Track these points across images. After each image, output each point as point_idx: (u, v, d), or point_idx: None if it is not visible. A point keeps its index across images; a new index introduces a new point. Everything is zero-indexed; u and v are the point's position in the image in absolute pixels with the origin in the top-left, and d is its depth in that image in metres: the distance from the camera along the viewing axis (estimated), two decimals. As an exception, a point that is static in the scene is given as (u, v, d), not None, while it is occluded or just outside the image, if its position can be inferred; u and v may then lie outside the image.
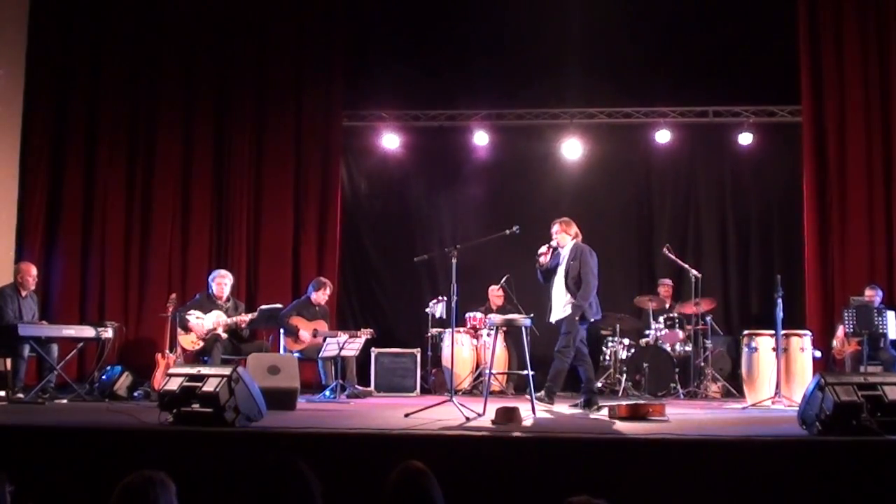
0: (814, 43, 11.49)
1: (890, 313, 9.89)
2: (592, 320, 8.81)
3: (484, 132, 12.38)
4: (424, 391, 11.12)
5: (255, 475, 3.55)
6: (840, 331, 10.39)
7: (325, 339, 10.20)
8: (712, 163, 12.66)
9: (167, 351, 10.02)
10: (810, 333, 9.75)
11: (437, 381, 11.32)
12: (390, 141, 12.51)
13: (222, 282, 10.45)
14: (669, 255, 11.28)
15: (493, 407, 7.20)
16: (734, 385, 10.79)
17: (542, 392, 8.32)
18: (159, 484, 3.40)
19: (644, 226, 12.70)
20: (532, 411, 7.71)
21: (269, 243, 12.08)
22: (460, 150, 12.64)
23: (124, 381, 10.09)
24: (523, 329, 8.17)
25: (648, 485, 5.32)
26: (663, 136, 12.16)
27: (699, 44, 12.00)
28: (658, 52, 12.04)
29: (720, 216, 12.56)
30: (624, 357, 11.33)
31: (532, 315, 8.70)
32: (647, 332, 11.46)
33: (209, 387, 6.24)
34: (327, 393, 10.04)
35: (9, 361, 9.51)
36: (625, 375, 11.04)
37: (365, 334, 10.58)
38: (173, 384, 6.42)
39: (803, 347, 9.42)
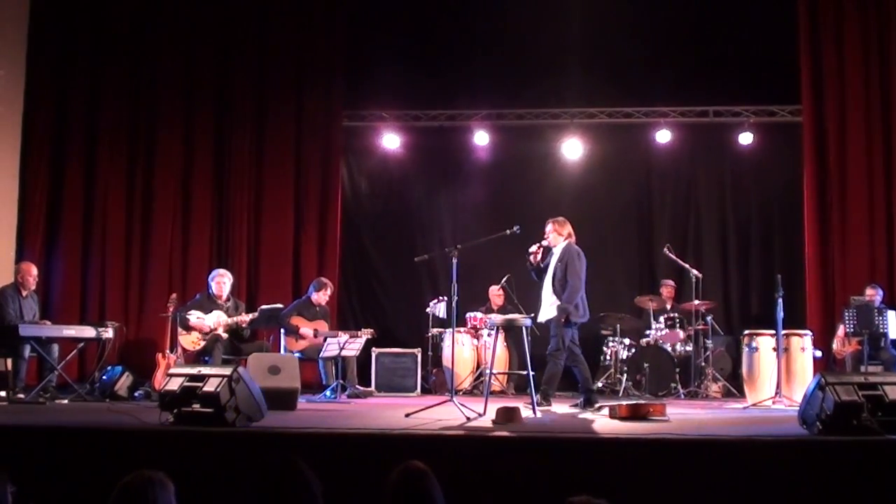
0: (814, 43, 11.50)
1: (890, 313, 9.88)
2: (578, 322, 8.72)
3: (484, 132, 12.38)
4: (425, 391, 11.12)
5: (256, 475, 3.55)
6: (840, 330, 10.39)
7: (325, 339, 10.20)
8: (713, 163, 12.66)
9: (168, 351, 10.03)
10: (811, 333, 9.75)
11: (437, 381, 11.32)
12: (391, 141, 12.51)
13: (221, 281, 10.45)
14: (670, 254, 11.29)
15: (493, 407, 7.21)
16: (735, 385, 10.79)
17: (539, 396, 8.28)
18: (158, 484, 3.41)
19: (644, 226, 12.71)
20: (533, 411, 7.71)
21: (270, 243, 12.08)
22: (461, 150, 12.65)
23: (125, 381, 10.10)
24: (524, 329, 8.17)
25: (649, 485, 5.32)
26: (664, 136, 12.16)
27: (699, 44, 12.01)
28: (658, 52, 12.04)
29: (720, 216, 12.56)
30: (624, 357, 11.33)
31: (532, 315, 8.72)
32: (647, 331, 11.45)
33: (210, 387, 6.24)
34: (328, 393, 10.04)
35: (9, 361, 9.52)
36: (625, 375, 11.03)
37: (365, 334, 10.57)
38: (174, 384, 6.42)
39: (804, 347, 9.42)
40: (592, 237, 12.30)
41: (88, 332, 9.83)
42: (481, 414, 7.30)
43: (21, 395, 9.15)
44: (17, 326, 9.24)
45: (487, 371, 9.08)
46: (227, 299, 10.44)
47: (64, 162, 11.94)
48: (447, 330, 10.80)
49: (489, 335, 11.05)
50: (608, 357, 11.58)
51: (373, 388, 10.93)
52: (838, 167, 11.37)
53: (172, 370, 6.91)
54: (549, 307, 8.74)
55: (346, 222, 12.56)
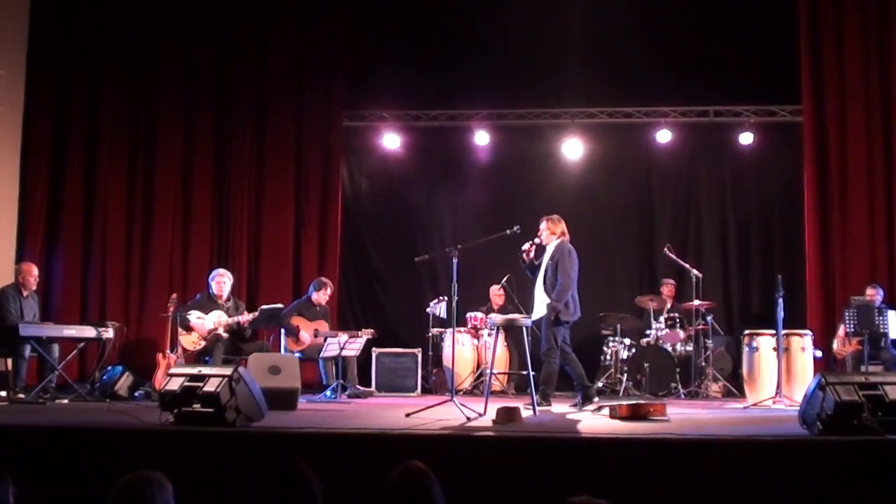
0: (814, 43, 11.49)
1: (891, 313, 9.88)
2: (568, 321, 8.68)
3: (485, 132, 12.38)
4: (425, 391, 11.12)
5: (257, 475, 3.55)
6: (841, 330, 10.38)
7: (325, 339, 10.20)
8: (713, 162, 12.67)
9: (168, 351, 10.04)
10: (811, 333, 9.75)
11: (437, 381, 11.31)
12: (391, 141, 12.51)
13: (221, 280, 10.45)
14: (670, 254, 11.29)
15: (493, 407, 7.20)
16: (735, 385, 10.78)
17: (538, 396, 8.26)
18: (156, 483, 3.41)
19: (645, 225, 12.71)
20: (533, 411, 7.71)
21: (270, 243, 12.08)
22: (461, 150, 12.65)
23: (125, 381, 10.11)
24: (524, 329, 8.17)
25: (649, 485, 5.32)
26: (664, 136, 12.16)
27: (700, 43, 12.00)
28: (659, 52, 12.04)
29: (721, 216, 12.56)
30: (625, 357, 11.33)
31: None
32: (647, 331, 11.46)
33: (210, 387, 6.24)
34: (328, 393, 10.04)
35: (10, 361, 9.51)
36: (626, 375, 11.04)
37: (366, 334, 10.57)
38: (174, 384, 6.42)
39: (804, 347, 9.41)
40: (593, 237, 12.36)
41: (89, 332, 9.83)
42: (481, 414, 7.30)
43: (21, 395, 9.15)
44: (17, 326, 9.23)
45: (488, 371, 9.07)
46: (228, 299, 10.44)
47: (64, 162, 11.94)
48: (447, 330, 10.80)
49: (489, 335, 11.05)
50: (608, 357, 11.57)
51: (373, 388, 10.93)
52: (839, 167, 11.36)
53: (173, 370, 6.91)
54: (540, 306, 8.73)
55: (347, 222, 12.56)
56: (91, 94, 12.06)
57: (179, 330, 10.12)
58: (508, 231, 8.58)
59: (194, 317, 10.09)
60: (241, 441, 5.96)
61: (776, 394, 9.05)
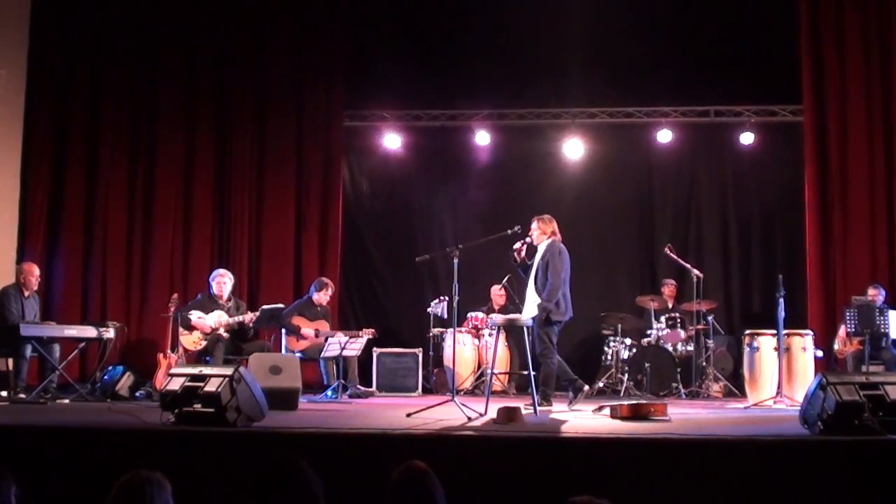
0: (815, 42, 11.49)
1: (892, 313, 9.87)
2: (560, 321, 8.64)
3: (485, 132, 12.38)
4: (426, 391, 11.12)
5: (258, 475, 3.55)
6: (842, 330, 10.38)
7: (326, 339, 10.20)
8: (714, 162, 12.67)
9: (169, 351, 10.05)
10: (812, 333, 9.74)
11: (438, 381, 11.32)
12: (392, 141, 12.51)
13: (222, 281, 10.46)
14: (671, 254, 11.29)
15: (494, 407, 7.21)
16: (736, 385, 10.78)
17: (538, 397, 8.23)
18: (156, 483, 3.41)
19: (645, 225, 12.71)
20: (534, 411, 7.71)
21: (271, 243, 12.09)
22: (462, 150, 12.65)
23: (126, 381, 10.12)
24: (525, 329, 8.17)
25: (650, 485, 5.32)
26: (665, 136, 12.16)
27: (700, 43, 12.01)
28: (659, 52, 12.04)
29: (722, 216, 12.56)
30: (626, 357, 11.33)
31: (534, 315, 8.69)
32: (648, 331, 11.46)
33: (211, 387, 6.24)
34: (329, 393, 10.05)
35: (10, 361, 9.52)
36: (626, 375, 11.04)
37: (366, 334, 10.57)
38: (175, 384, 6.41)
39: (805, 347, 9.41)
40: (593, 237, 12.39)
41: (90, 332, 9.83)
42: (482, 414, 7.31)
43: (22, 395, 9.16)
44: (18, 326, 9.23)
45: (489, 371, 9.07)
46: (229, 299, 10.44)
47: (65, 162, 11.95)
48: (448, 330, 10.81)
49: (490, 335, 11.05)
50: (609, 357, 11.57)
51: (374, 388, 10.93)
52: (839, 167, 11.36)
53: (174, 370, 6.90)
54: (532, 306, 8.70)
55: (348, 222, 12.55)
56: (92, 93, 12.07)
57: (180, 330, 10.13)
58: (509, 231, 8.59)
59: (195, 316, 10.10)
60: (241, 441, 5.96)
61: (777, 394, 9.05)
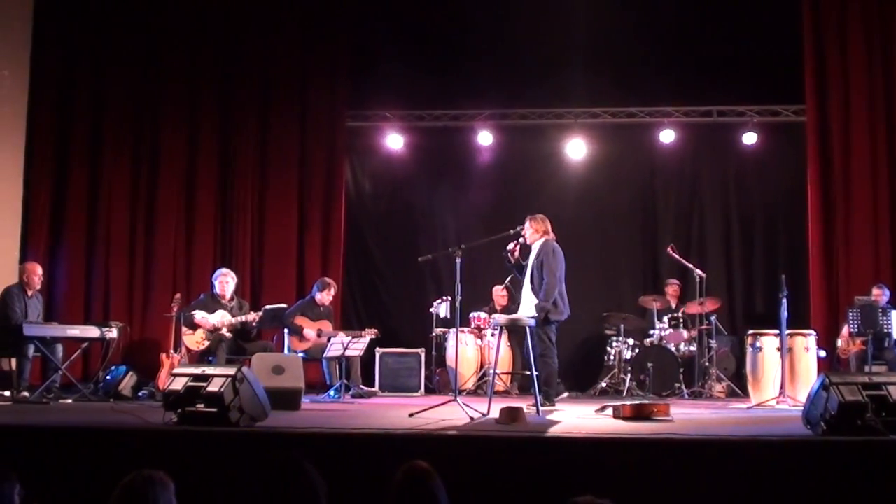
0: (818, 42, 11.48)
1: (895, 313, 9.87)
2: (559, 320, 8.60)
3: (488, 132, 12.38)
4: (429, 391, 11.12)
5: (261, 475, 3.55)
6: (845, 330, 10.36)
7: (329, 340, 10.21)
8: (716, 162, 12.67)
9: (172, 351, 10.06)
10: (815, 333, 9.72)
11: (441, 381, 11.32)
12: (394, 141, 12.51)
13: (224, 280, 10.46)
14: (674, 255, 11.29)
15: (497, 407, 7.20)
16: (739, 385, 10.78)
17: (541, 398, 8.20)
18: (159, 483, 3.41)
19: (648, 225, 12.70)
20: (536, 411, 7.71)
21: (274, 243, 12.09)
22: (464, 150, 12.66)
23: (129, 381, 10.13)
24: (527, 329, 8.16)
25: (653, 485, 5.32)
26: (667, 136, 12.16)
27: (703, 43, 11.99)
28: (662, 52, 12.04)
29: (724, 216, 12.56)
30: (628, 357, 11.34)
31: (536, 315, 8.68)
32: (651, 331, 11.46)
33: (214, 387, 6.24)
34: (332, 393, 10.05)
35: (14, 361, 9.52)
36: (629, 375, 11.04)
37: (369, 334, 10.56)
38: (178, 384, 6.41)
39: (808, 347, 9.40)
40: (596, 237, 12.40)
41: (92, 331, 9.85)
42: (485, 414, 7.30)
43: (25, 395, 9.16)
44: (21, 326, 9.24)
45: (491, 371, 9.07)
46: (231, 299, 10.45)
47: (68, 162, 11.96)
48: (451, 330, 10.81)
49: (493, 335, 11.04)
50: (612, 357, 11.58)
51: (376, 388, 10.93)
52: (842, 167, 11.35)
53: (176, 370, 6.91)
54: (528, 306, 8.67)
55: (350, 222, 12.56)
56: (95, 94, 12.07)
57: (183, 330, 10.13)
58: (511, 231, 8.60)
59: (198, 316, 10.10)
60: (244, 441, 5.96)
61: (780, 394, 9.03)
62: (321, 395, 10.18)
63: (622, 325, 11.58)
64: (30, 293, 9.82)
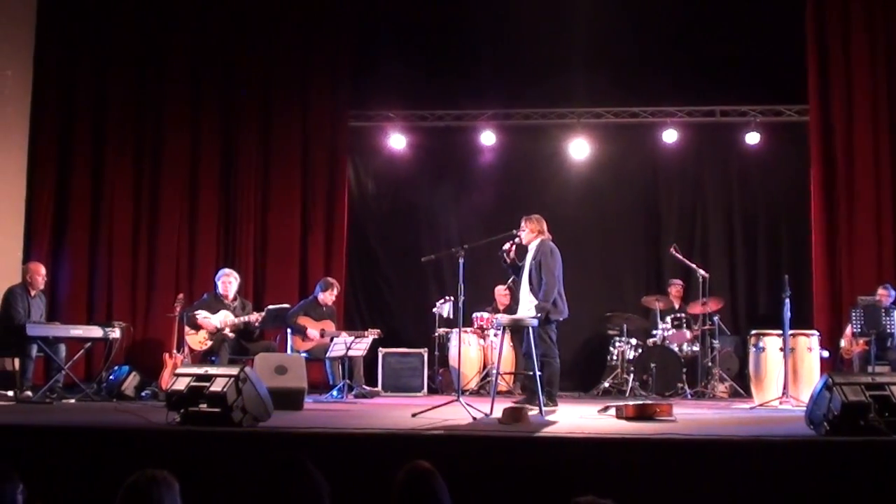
0: (821, 42, 11.47)
1: (898, 313, 9.87)
2: (558, 319, 8.57)
3: (491, 132, 12.37)
4: (432, 391, 11.12)
5: (264, 475, 3.56)
6: (848, 330, 10.35)
7: (332, 340, 10.21)
8: (719, 162, 12.65)
9: (175, 351, 10.06)
10: (818, 333, 9.72)
11: (444, 381, 11.32)
12: (397, 141, 12.50)
13: (227, 280, 10.47)
14: (676, 254, 11.28)
15: (500, 407, 7.21)
16: (742, 385, 10.77)
17: (545, 398, 8.19)
18: (163, 483, 3.42)
19: (651, 225, 12.70)
20: (539, 411, 7.70)
21: (277, 243, 12.09)
22: (467, 150, 12.65)
23: (132, 381, 10.13)
24: (530, 329, 8.16)
25: (655, 485, 5.32)
26: (670, 136, 12.14)
27: (706, 43, 11.97)
28: (665, 52, 12.03)
29: (727, 216, 12.55)
30: (631, 357, 11.33)
31: (539, 315, 8.68)
32: (654, 331, 11.46)
33: (217, 387, 6.25)
34: (334, 393, 10.06)
35: (17, 361, 9.52)
36: (632, 375, 11.04)
37: (372, 334, 10.57)
38: (181, 384, 6.43)
39: (811, 347, 9.40)
40: (599, 237, 12.40)
41: (95, 331, 9.85)
42: (488, 414, 7.31)
43: (28, 395, 9.16)
44: (24, 326, 9.25)
45: (494, 371, 9.07)
46: (235, 299, 10.45)
47: (71, 162, 11.96)
48: (454, 330, 10.80)
49: (496, 335, 11.04)
50: (615, 357, 11.57)
51: (379, 388, 10.93)
52: (845, 167, 11.34)
53: (179, 370, 6.92)
54: (527, 307, 8.65)
55: (353, 223, 12.56)
56: (97, 94, 12.07)
57: (186, 330, 10.14)
58: (514, 231, 8.59)
59: (201, 316, 10.11)
60: (247, 441, 5.97)
61: (783, 394, 9.03)
62: (324, 395, 10.18)
63: (625, 326, 11.58)
64: (33, 293, 9.82)
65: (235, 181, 12.13)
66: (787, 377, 9.10)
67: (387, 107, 12.58)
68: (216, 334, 10.09)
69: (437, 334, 11.47)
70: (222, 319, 10.14)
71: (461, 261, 8.00)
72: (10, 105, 11.58)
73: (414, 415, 7.22)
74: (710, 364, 10.99)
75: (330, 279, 11.00)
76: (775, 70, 11.91)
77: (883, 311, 9.85)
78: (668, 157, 12.52)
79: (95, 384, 10.16)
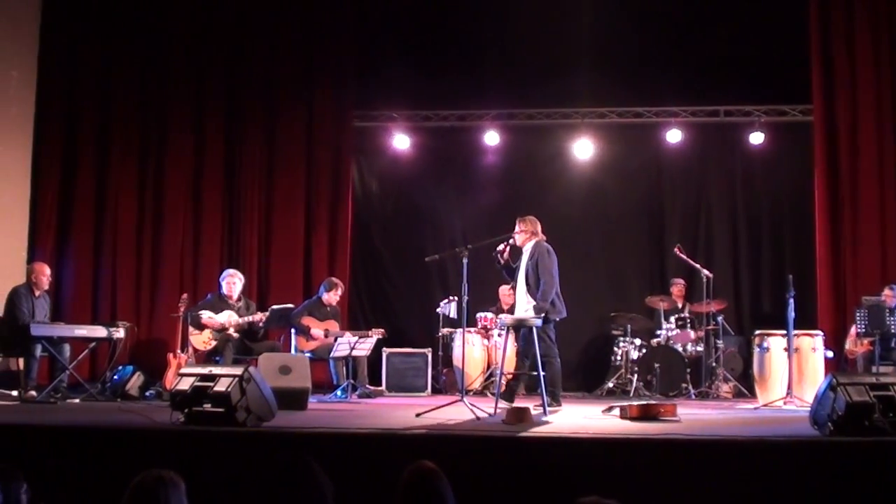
0: (825, 42, 11.45)
1: (902, 313, 9.85)
2: (556, 319, 8.58)
3: (495, 132, 12.36)
4: (435, 391, 11.12)
5: (268, 475, 3.56)
6: (852, 330, 10.34)
7: (336, 339, 10.21)
8: (723, 162, 12.63)
9: (179, 351, 10.07)
10: (822, 333, 9.71)
11: (448, 381, 11.32)
12: (401, 141, 12.50)
13: (231, 281, 10.48)
14: (681, 255, 11.27)
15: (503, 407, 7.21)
16: (746, 385, 10.76)
17: (548, 398, 8.18)
18: (170, 483, 3.42)
19: (655, 225, 12.68)
20: (543, 411, 7.70)
21: (281, 243, 12.10)
22: (471, 151, 12.64)
23: (136, 380, 10.14)
24: (534, 329, 8.16)
25: (659, 485, 5.32)
26: (674, 136, 12.12)
27: (710, 43, 11.95)
28: (669, 52, 12.02)
29: (731, 216, 12.53)
30: (635, 357, 11.32)
31: (542, 316, 8.68)
32: (658, 332, 11.45)
33: (221, 387, 6.26)
34: (338, 393, 10.06)
35: (21, 361, 9.54)
36: (636, 375, 11.03)
37: (376, 334, 10.58)
38: (185, 384, 6.44)
39: (815, 347, 9.39)
40: (603, 237, 12.39)
41: (100, 331, 9.86)
42: (492, 414, 7.31)
43: (33, 394, 9.18)
44: (28, 326, 9.27)
45: (498, 371, 9.07)
46: (239, 299, 10.46)
47: (75, 162, 11.98)
48: (458, 330, 10.80)
49: (500, 335, 11.04)
50: (619, 357, 11.56)
51: (383, 387, 10.93)
52: (849, 166, 11.32)
53: (183, 370, 6.93)
54: (524, 307, 8.65)
55: (357, 223, 12.56)
56: (102, 95, 12.09)
57: (190, 330, 10.15)
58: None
59: (205, 316, 10.12)
60: (251, 441, 5.98)
61: (787, 394, 9.02)
62: (328, 395, 10.19)
63: (629, 326, 11.57)
64: (37, 293, 9.84)
65: (239, 181, 12.14)
66: (791, 377, 9.09)
67: (391, 107, 12.57)
68: (220, 334, 10.10)
69: (440, 334, 11.47)
70: (226, 319, 10.15)
71: (465, 261, 8.00)
72: (14, 106, 11.61)
73: (418, 415, 7.22)
74: (714, 364, 10.98)
75: (334, 279, 11.01)
76: (779, 70, 11.89)
77: (888, 311, 9.84)
78: (672, 157, 12.51)
79: (99, 384, 10.18)
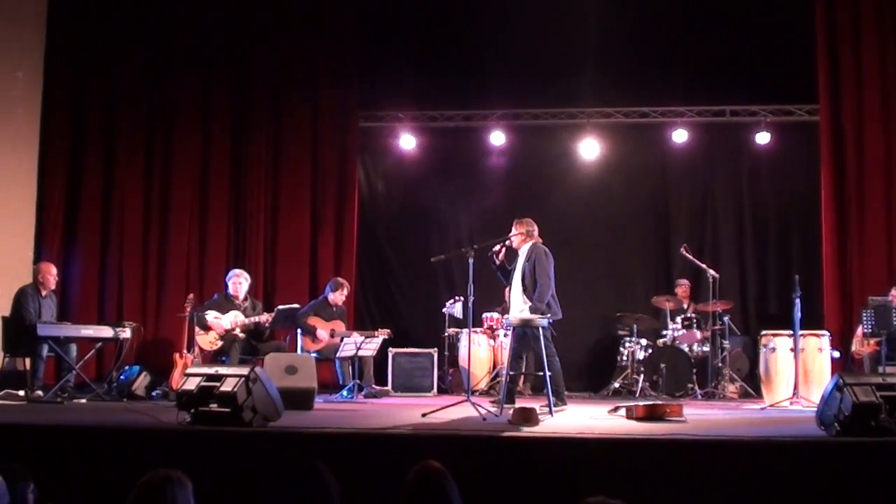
0: (831, 41, 11.43)
1: (909, 314, 9.82)
2: (552, 321, 8.52)
3: (500, 132, 12.37)
4: (441, 391, 11.12)
5: (274, 475, 3.56)
6: (859, 331, 10.31)
7: (342, 340, 10.22)
8: (729, 162, 12.63)
9: (185, 351, 10.08)
10: (828, 334, 9.69)
11: (454, 381, 11.32)
12: (407, 141, 12.52)
13: (238, 281, 10.49)
14: (687, 255, 11.25)
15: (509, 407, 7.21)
16: (752, 385, 10.76)
17: (554, 398, 8.17)
18: (177, 482, 3.43)
19: (661, 226, 12.68)
20: (549, 411, 7.70)
21: (287, 243, 12.11)
22: (477, 151, 12.65)
23: (142, 380, 10.14)
24: (540, 330, 8.15)
25: (665, 485, 5.31)
26: (680, 136, 12.12)
27: (716, 43, 11.93)
28: (675, 52, 12.02)
29: (737, 216, 12.52)
30: (641, 357, 11.31)
31: (548, 315, 8.67)
32: (664, 332, 11.44)
33: (227, 387, 6.26)
34: (344, 393, 10.06)
35: (28, 361, 9.56)
36: (642, 376, 11.02)
37: (382, 334, 10.57)
38: (191, 384, 6.44)
39: (821, 348, 9.38)
40: (609, 237, 12.39)
41: (106, 331, 9.87)
42: (498, 414, 7.30)
43: (39, 394, 9.19)
44: (35, 326, 9.27)
45: (504, 371, 9.06)
46: (245, 299, 10.47)
47: (82, 163, 12.01)
48: (463, 330, 10.81)
49: (505, 335, 11.04)
50: (625, 357, 11.55)
51: (389, 388, 10.94)
52: (856, 166, 11.30)
53: (190, 370, 6.93)
54: (519, 308, 8.64)
55: (363, 223, 12.57)
56: (108, 95, 12.12)
57: (196, 330, 10.16)
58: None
59: (211, 316, 10.13)
60: (257, 441, 5.98)
61: (793, 395, 9.00)
62: (334, 395, 10.19)
63: (635, 326, 11.56)
64: (44, 293, 9.85)
65: (246, 182, 12.16)
66: (797, 378, 9.07)
67: (396, 107, 12.59)
68: (226, 334, 10.11)
69: (447, 334, 11.47)
70: (233, 320, 10.16)
71: (471, 261, 8.00)
72: (20, 106, 11.64)
73: (424, 415, 7.22)
74: (720, 364, 10.96)
75: (340, 279, 11.01)
76: (785, 69, 11.88)
77: (894, 311, 9.81)
78: (678, 157, 12.50)
79: (106, 384, 10.19)
